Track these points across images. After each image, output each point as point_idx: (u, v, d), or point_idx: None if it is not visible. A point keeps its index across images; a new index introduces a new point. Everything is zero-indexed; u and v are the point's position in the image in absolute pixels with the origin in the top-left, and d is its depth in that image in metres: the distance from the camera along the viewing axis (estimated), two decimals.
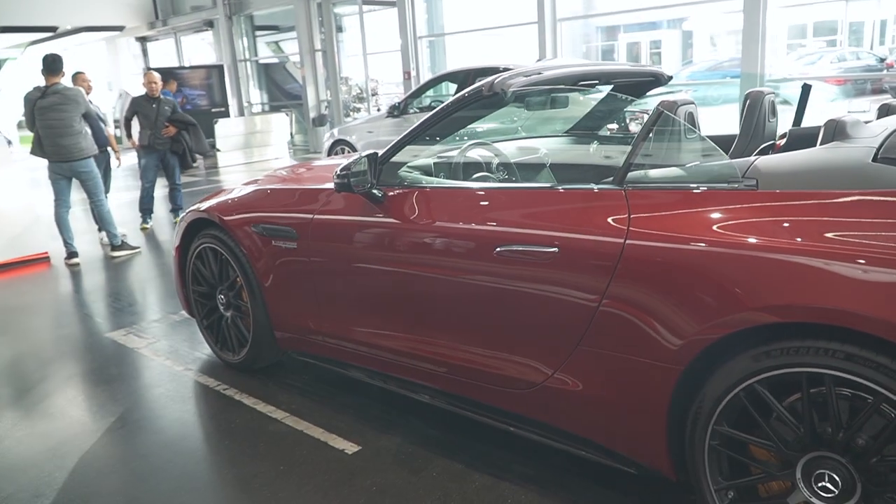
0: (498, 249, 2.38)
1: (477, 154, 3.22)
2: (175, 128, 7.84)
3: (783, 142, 2.70)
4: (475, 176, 3.10)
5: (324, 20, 15.60)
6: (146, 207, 8.01)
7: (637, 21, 22.90)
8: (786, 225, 1.86)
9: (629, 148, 2.32)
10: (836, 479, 1.79)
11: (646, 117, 4.40)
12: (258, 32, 18.49)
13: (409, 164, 3.02)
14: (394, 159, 2.92)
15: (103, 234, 7.04)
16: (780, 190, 1.95)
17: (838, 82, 14.67)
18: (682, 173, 2.18)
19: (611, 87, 3.51)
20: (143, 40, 21.15)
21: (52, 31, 18.81)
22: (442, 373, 2.71)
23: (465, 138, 3.30)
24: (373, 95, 15.74)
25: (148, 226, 7.99)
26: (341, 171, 2.81)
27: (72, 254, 6.53)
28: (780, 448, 1.87)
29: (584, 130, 3.85)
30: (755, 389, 1.87)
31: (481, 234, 2.45)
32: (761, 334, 1.84)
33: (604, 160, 3.60)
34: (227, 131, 14.39)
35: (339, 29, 16.27)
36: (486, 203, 2.57)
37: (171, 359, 4.07)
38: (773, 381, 1.84)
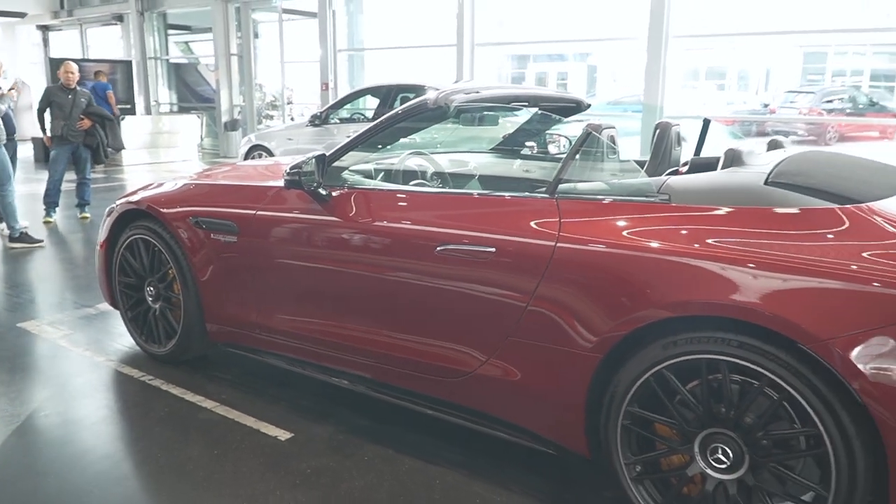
0: (439, 248, 2.60)
1: (414, 163, 3.44)
2: (90, 120, 7.66)
3: (685, 168, 3.08)
4: (412, 182, 3.32)
5: (241, 25, 15.48)
6: (52, 200, 7.75)
7: (546, 52, 23.88)
8: (692, 233, 2.18)
9: (556, 164, 2.60)
10: (728, 451, 2.10)
11: (562, 139, 4.78)
12: (170, 31, 18.08)
13: (351, 168, 3.20)
14: (337, 163, 3.10)
15: (3, 225, 6.81)
16: (689, 204, 2.27)
17: (727, 122, 15.84)
18: (607, 186, 2.48)
19: (536, 109, 3.82)
20: (44, 29, 20.23)
21: None
22: (380, 364, 2.89)
23: (403, 148, 3.51)
24: (287, 104, 15.70)
25: (52, 219, 7.74)
26: (292, 168, 2.96)
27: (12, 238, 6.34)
28: (682, 426, 2.17)
29: (508, 147, 4.15)
30: (663, 374, 2.16)
31: (424, 233, 2.67)
32: (669, 326, 2.14)
33: (524, 174, 3.91)
34: (133, 129, 13.99)
35: (256, 35, 16.16)
36: (430, 206, 2.79)
37: (90, 349, 4.05)
38: (678, 367, 2.14)
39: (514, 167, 3.90)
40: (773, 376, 1.98)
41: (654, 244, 2.20)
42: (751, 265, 2.02)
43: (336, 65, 13.68)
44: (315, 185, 2.95)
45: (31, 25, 20.42)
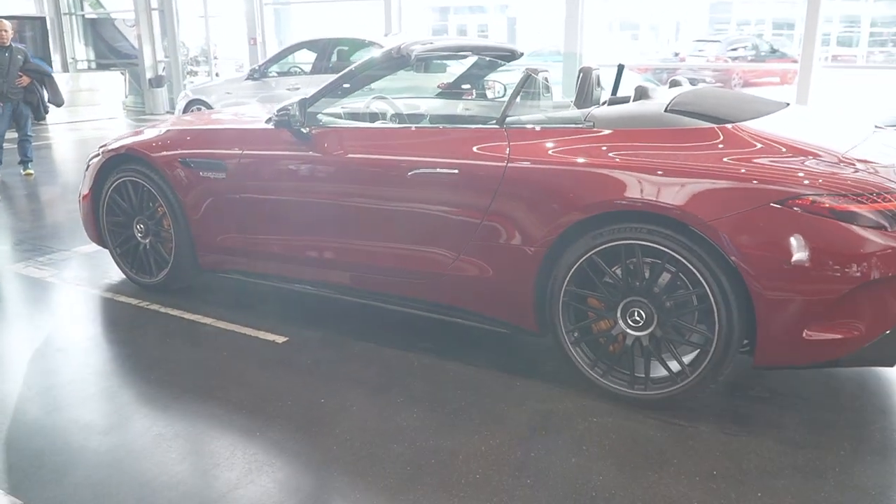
0: (411, 172, 3.19)
1: (377, 106, 3.99)
2: (29, 77, 7.77)
3: (605, 105, 3.73)
4: (377, 122, 3.87)
5: None
6: None
7: (467, 4, 24.22)
8: (610, 150, 2.83)
9: (493, 104, 3.19)
10: (642, 313, 2.80)
11: (497, 84, 5.38)
12: None
13: (325, 111, 3.71)
14: (313, 108, 3.61)
15: None
16: (608, 128, 2.92)
17: (641, 70, 16.77)
18: (545, 117, 3.11)
19: (477, 57, 4.40)
20: None
21: None
22: (362, 274, 3.48)
23: (367, 94, 4.05)
24: (214, 59, 15.67)
25: None
26: (279, 111, 3.47)
27: None
28: (608, 297, 2.86)
29: (453, 91, 4.73)
30: (592, 259, 2.83)
31: (398, 161, 3.24)
32: (596, 221, 2.80)
33: (466, 112, 4.51)
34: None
35: None
36: (400, 138, 3.36)
37: (81, 284, 4.47)
38: (604, 252, 2.81)
39: (459, 108, 4.48)
40: (672, 253, 2.67)
41: (583, 159, 2.85)
42: (653, 170, 2.69)
43: (263, 19, 13.78)
44: (298, 124, 3.47)
45: None
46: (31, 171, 8.22)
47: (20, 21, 16.34)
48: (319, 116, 3.64)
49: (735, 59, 17.80)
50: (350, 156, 3.40)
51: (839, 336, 2.55)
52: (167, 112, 15.25)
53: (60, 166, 9.40)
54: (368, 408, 2.92)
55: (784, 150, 2.72)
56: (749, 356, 2.74)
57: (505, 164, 2.99)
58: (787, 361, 2.70)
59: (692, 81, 16.51)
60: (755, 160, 2.65)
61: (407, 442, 2.66)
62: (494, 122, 3.16)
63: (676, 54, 19.92)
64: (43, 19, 16.59)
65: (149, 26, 15.43)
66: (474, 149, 3.09)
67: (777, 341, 2.61)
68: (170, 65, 15.55)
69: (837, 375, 3.15)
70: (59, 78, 14.76)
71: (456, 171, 3.09)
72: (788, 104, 3.48)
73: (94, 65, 17.79)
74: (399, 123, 3.94)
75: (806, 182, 2.55)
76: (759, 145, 2.73)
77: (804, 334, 2.57)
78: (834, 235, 2.49)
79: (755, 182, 2.58)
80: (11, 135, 8.13)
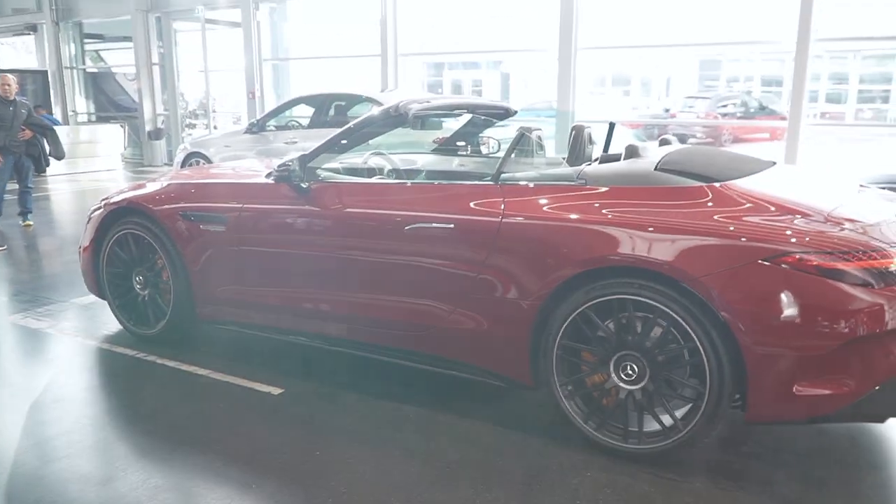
0: (408, 227, 3.26)
1: (374, 161, 4.09)
2: (31, 131, 7.91)
3: (597, 163, 3.84)
4: (375, 177, 3.97)
5: (163, 34, 15.63)
6: None
7: (461, 60, 24.74)
8: (602, 207, 2.92)
9: (488, 160, 3.28)
10: (635, 367, 2.84)
11: (491, 140, 5.52)
12: (87, 40, 17.94)
13: (323, 166, 3.81)
14: (312, 163, 3.70)
15: None
16: (600, 185, 3.01)
17: (633, 126, 17.11)
18: (538, 174, 3.20)
19: (472, 115, 4.53)
20: None
21: None
22: (358, 326, 3.52)
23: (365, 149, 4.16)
24: (212, 112, 15.92)
25: None
26: (279, 167, 3.57)
27: None
28: (601, 351, 2.90)
29: (448, 147, 4.85)
30: (586, 313, 2.89)
31: (395, 216, 3.32)
32: (589, 277, 2.87)
33: (461, 168, 4.61)
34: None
35: (176, 44, 16.30)
36: (397, 194, 3.45)
37: (80, 335, 4.49)
38: (597, 307, 2.87)
39: (455, 164, 4.59)
40: (663, 308, 2.73)
41: (575, 216, 2.93)
42: (644, 227, 2.77)
43: (262, 74, 14.07)
44: (298, 179, 3.56)
45: None
46: (31, 223, 8.29)
47: (22, 74, 16.64)
48: (319, 171, 3.73)
49: (725, 115, 18.19)
50: (348, 210, 3.48)
51: (829, 392, 2.59)
52: (165, 164, 15.43)
53: (59, 217, 9.48)
54: (364, 461, 2.93)
55: (772, 208, 2.81)
56: (741, 411, 2.78)
57: (500, 219, 3.07)
58: (779, 417, 2.74)
59: (682, 138, 16.88)
60: (743, 218, 2.74)
61: (403, 496, 2.67)
62: (490, 178, 3.25)
63: (667, 110, 20.35)
64: (45, 73, 16.92)
65: (149, 80, 15.73)
66: (470, 204, 3.18)
67: (768, 396, 2.65)
68: (169, 118, 15.79)
69: (830, 431, 3.18)
70: (60, 130, 15.02)
71: (452, 225, 3.17)
72: (775, 163, 3.58)
73: (94, 117, 18.04)
74: (396, 178, 4.04)
75: (793, 240, 2.62)
76: (747, 203, 2.82)
77: (794, 389, 2.61)
78: (821, 292, 2.56)
79: (744, 239, 2.65)
80: (12, 186, 8.22)
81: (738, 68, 23.88)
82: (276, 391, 3.61)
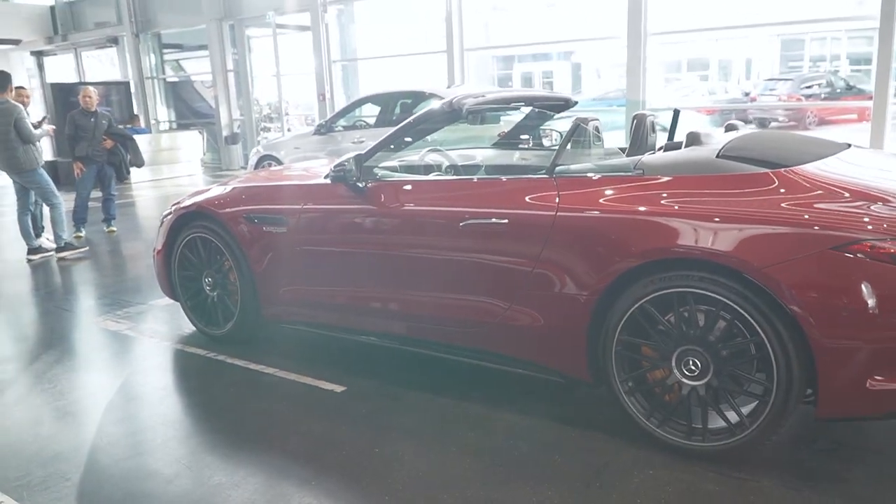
0: (462, 223, 3.24)
1: (431, 158, 4.08)
2: (113, 140, 8.27)
3: (661, 152, 3.72)
4: (431, 174, 3.97)
5: (236, 41, 16.09)
6: (81, 217, 8.31)
7: (530, 52, 24.50)
8: (660, 197, 2.82)
9: (550, 153, 3.23)
10: (698, 362, 2.74)
11: (553, 133, 5.43)
12: (165, 50, 18.67)
13: (380, 165, 3.83)
14: (369, 162, 3.73)
15: (51, 235, 7.49)
16: (658, 175, 2.91)
17: (709, 112, 16.56)
18: (594, 166, 3.12)
19: (531, 108, 4.47)
20: (38, 55, 20.75)
21: None
22: (418, 324, 3.53)
23: (422, 147, 4.16)
24: (285, 115, 16.31)
25: (82, 234, 8.30)
26: (336, 167, 3.60)
27: (31, 250, 7.02)
28: (662, 346, 2.81)
29: (509, 141, 4.80)
30: (645, 307, 2.80)
31: (450, 213, 3.31)
32: (648, 269, 2.78)
33: (523, 163, 4.55)
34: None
35: (250, 50, 16.77)
36: (452, 190, 3.44)
37: (155, 337, 4.67)
38: (656, 300, 2.78)
39: (514, 158, 4.54)
40: (726, 300, 2.62)
41: (632, 207, 2.84)
42: (704, 217, 2.67)
43: (331, 75, 14.31)
44: (354, 179, 3.59)
45: (25, 52, 20.95)
46: (114, 229, 8.69)
47: (107, 86, 17.48)
48: (375, 170, 3.75)
49: (809, 97, 17.38)
50: (403, 208, 3.49)
51: None
52: (242, 168, 15.90)
53: (142, 223, 9.89)
54: (421, 458, 2.93)
55: (841, 193, 2.66)
56: (813, 407, 2.64)
57: (554, 213, 3.01)
58: (851, 413, 2.59)
59: (762, 122, 16.20)
60: (811, 205, 2.59)
61: (458, 493, 2.66)
62: (544, 171, 3.20)
63: (746, 94, 19.60)
64: (127, 84, 17.69)
65: (225, 87, 16.23)
66: (525, 199, 3.13)
67: (840, 392, 2.51)
68: (244, 122, 16.27)
69: None
70: (143, 138, 15.69)
71: (506, 220, 3.13)
72: (850, 145, 3.39)
73: (174, 125, 18.77)
74: (453, 175, 4.02)
75: (866, 227, 2.47)
76: (814, 189, 2.67)
77: (868, 384, 2.46)
78: (894, 281, 2.40)
79: (811, 227, 2.51)
80: (96, 194, 8.62)
81: (824, 47, 22.78)
82: (338, 389, 3.66)
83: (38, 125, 7.48)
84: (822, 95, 17.57)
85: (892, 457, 2.80)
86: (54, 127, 7.76)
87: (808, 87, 17.77)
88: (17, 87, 7.97)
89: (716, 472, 2.72)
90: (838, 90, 17.92)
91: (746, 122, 15.87)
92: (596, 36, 13.54)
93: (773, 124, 17.06)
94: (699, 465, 2.76)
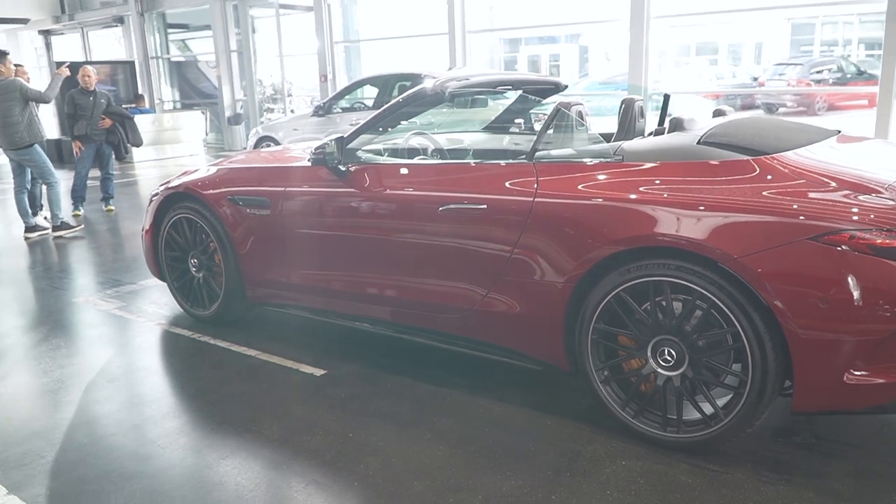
0: (441, 208, 3.20)
1: (416, 142, 4.04)
2: (111, 120, 8.25)
3: (638, 139, 3.65)
4: (416, 158, 3.92)
5: (240, 21, 16.00)
6: (79, 195, 8.33)
7: (537, 35, 24.26)
8: (638, 184, 2.77)
9: (535, 135, 3.18)
10: (673, 353, 2.71)
11: (544, 118, 5.35)
12: (170, 30, 18.60)
13: (363, 148, 3.79)
14: (352, 144, 3.68)
15: (47, 213, 7.51)
16: (638, 162, 2.86)
17: (715, 96, 16.38)
18: (574, 151, 3.07)
19: (520, 92, 4.40)
20: (46, 34, 20.71)
21: None
22: (397, 308, 3.50)
23: (407, 130, 4.11)
24: (288, 96, 16.24)
25: (80, 212, 8.32)
26: (316, 149, 3.56)
27: (28, 228, 7.07)
28: (638, 335, 2.77)
29: (498, 125, 4.75)
30: (621, 296, 2.76)
31: (429, 197, 3.27)
32: (624, 257, 2.74)
33: (514, 146, 4.50)
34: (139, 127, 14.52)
35: (253, 30, 16.67)
36: (431, 175, 3.39)
37: (142, 317, 4.67)
38: (632, 289, 2.74)
39: (498, 143, 4.49)
40: (702, 290, 2.58)
41: (609, 194, 2.80)
42: (680, 205, 2.62)
43: (333, 56, 14.22)
44: (336, 161, 3.55)
45: (33, 31, 20.92)
46: (112, 208, 8.69)
47: (112, 65, 17.46)
48: (359, 153, 3.71)
49: (819, 82, 17.14)
50: (384, 192, 3.45)
51: (883, 380, 2.40)
52: (244, 148, 15.86)
53: (141, 202, 9.87)
54: (395, 444, 2.92)
55: (825, 182, 2.60)
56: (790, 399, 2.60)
57: (533, 198, 2.97)
58: (828, 406, 2.55)
59: (770, 107, 16.00)
60: (790, 193, 2.54)
61: (428, 480, 2.64)
62: (524, 157, 3.15)
63: (755, 79, 19.37)
64: (132, 63, 17.65)
65: (228, 67, 16.17)
66: (504, 184, 3.09)
67: (816, 385, 2.48)
68: (247, 103, 16.21)
69: (891, 422, 2.95)
70: (146, 118, 15.66)
71: (484, 206, 3.09)
72: (839, 132, 3.33)
73: (178, 104, 18.73)
74: (437, 159, 3.97)
75: (850, 217, 2.42)
76: (796, 178, 2.61)
77: (845, 378, 2.42)
78: (875, 273, 2.36)
79: (788, 217, 2.46)
80: (94, 173, 8.61)
81: (836, 31, 22.46)
82: (318, 372, 3.65)
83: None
84: (832, 81, 17.33)
85: (872, 452, 2.77)
86: (67, 68, 7.68)
87: (818, 71, 17.52)
88: (16, 65, 7.95)
89: (690, 463, 2.69)
90: (849, 75, 17.67)
91: (754, 107, 15.69)
92: (600, 18, 13.36)
93: (781, 110, 16.87)
94: (673, 457, 2.73)
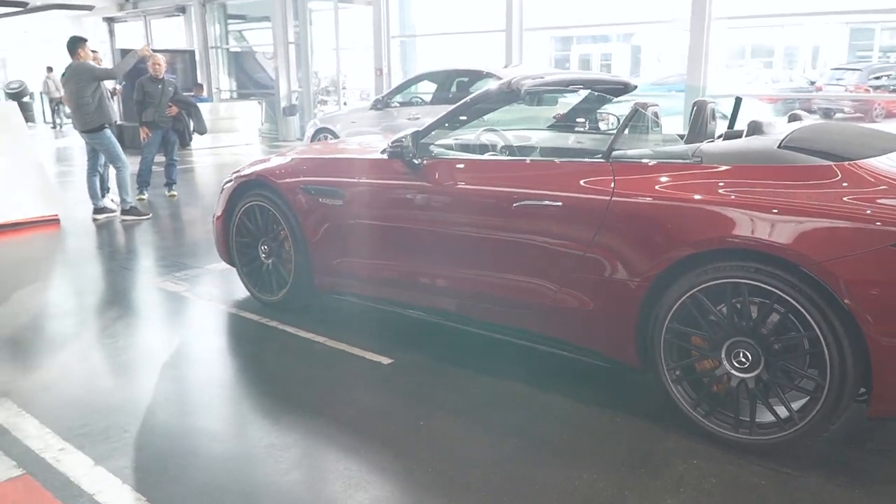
0: (515, 204, 3.25)
1: (486, 138, 4.10)
2: (178, 107, 8.48)
3: (720, 140, 3.65)
4: (487, 154, 3.98)
5: (298, 13, 16.24)
6: (144, 180, 8.57)
7: (590, 34, 24.08)
8: (717, 186, 2.78)
9: (606, 137, 3.20)
10: (749, 355, 2.72)
11: (610, 117, 5.37)
12: (230, 21, 18.96)
13: (437, 143, 3.85)
14: (426, 139, 3.75)
15: (114, 196, 7.77)
16: (717, 164, 2.87)
17: (771, 100, 16.08)
18: (651, 152, 3.09)
19: (589, 91, 4.43)
20: (110, 21, 21.31)
21: (23, 6, 18.89)
22: (467, 301, 3.56)
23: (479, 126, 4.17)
24: (343, 89, 16.44)
25: (144, 197, 8.56)
26: (393, 143, 3.65)
27: (97, 210, 7.37)
28: (712, 336, 2.79)
29: (565, 123, 4.78)
30: (696, 296, 2.78)
31: (503, 193, 3.32)
32: (701, 258, 2.76)
33: (578, 146, 4.52)
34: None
35: (310, 23, 16.90)
36: (506, 171, 3.45)
37: (212, 300, 4.82)
38: (709, 290, 2.75)
39: (570, 141, 4.51)
40: (781, 293, 2.58)
41: (689, 195, 2.82)
42: (762, 208, 2.62)
43: (389, 51, 14.35)
44: (410, 155, 3.63)
45: (97, 17, 21.53)
46: (175, 193, 8.93)
47: (172, 54, 17.84)
48: (431, 148, 3.77)
49: (878, 88, 16.72)
50: (458, 186, 3.51)
51: None
52: (298, 139, 16.11)
53: (201, 189, 10.14)
54: (466, 434, 2.98)
55: None
56: (865, 406, 2.59)
57: (609, 197, 3.00)
58: None
59: (827, 112, 15.67)
60: (875, 199, 2.53)
61: (502, 472, 2.70)
62: (601, 155, 3.18)
63: (812, 83, 18.96)
64: (192, 52, 18.04)
65: (286, 59, 16.42)
66: (580, 182, 3.12)
67: (894, 391, 2.46)
68: (302, 94, 16.45)
69: None
70: (204, 106, 15.99)
71: (560, 203, 3.13)
72: None
73: (235, 94, 19.09)
74: (509, 155, 4.02)
75: None
76: (878, 184, 2.60)
77: None
78: None
79: (874, 222, 2.46)
80: (159, 159, 8.86)
81: (894, 38, 21.85)
82: (385, 361, 3.73)
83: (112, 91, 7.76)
84: (892, 88, 16.88)
85: None
86: (148, 47, 8.01)
87: (877, 77, 17.09)
88: (92, 51, 8.21)
89: (761, 465, 2.70)
90: None
91: (810, 112, 15.40)
92: (659, 19, 13.22)
93: (838, 115, 16.49)
94: (744, 458, 2.74)
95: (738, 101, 4.09)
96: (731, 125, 4.08)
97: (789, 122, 3.52)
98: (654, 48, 24.62)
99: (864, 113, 16.43)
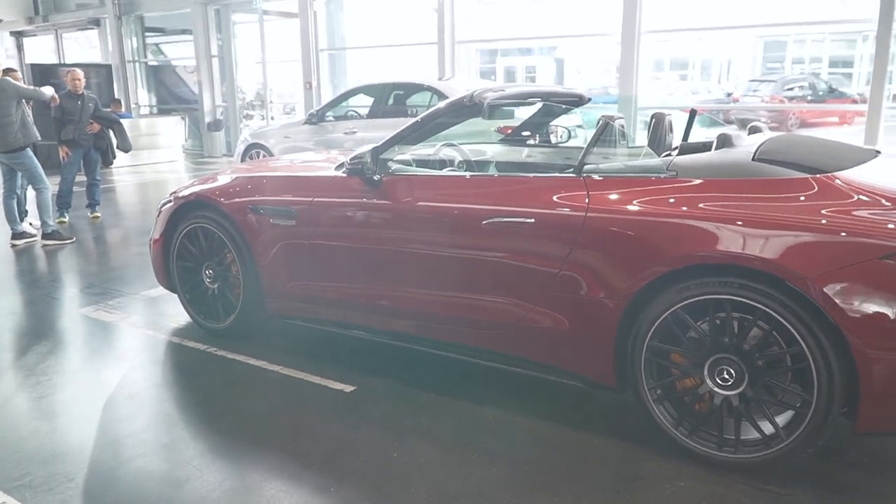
0: (485, 221, 3.13)
1: (446, 153, 3.97)
2: (99, 125, 8.03)
3: (676, 152, 3.63)
4: (445, 169, 3.85)
5: (221, 26, 15.79)
6: (65, 201, 8.09)
7: (514, 47, 24.38)
8: (696, 200, 2.73)
9: (556, 150, 3.12)
10: (732, 372, 2.66)
11: (559, 129, 5.33)
12: (147, 34, 18.27)
13: (395, 158, 3.70)
14: (384, 154, 3.59)
15: (36, 220, 7.27)
16: (692, 177, 2.82)
17: (687, 111, 16.59)
18: (625, 166, 3.03)
19: (544, 103, 4.37)
20: (18, 35, 20.22)
21: None
22: (433, 324, 3.41)
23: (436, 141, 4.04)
24: (269, 103, 16.04)
25: (65, 219, 8.08)
26: (352, 159, 3.47)
27: (15, 235, 6.82)
28: (694, 354, 2.73)
29: (517, 137, 4.70)
30: (678, 313, 2.72)
31: (471, 210, 3.19)
32: (682, 274, 2.69)
33: (529, 159, 4.45)
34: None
35: (234, 35, 16.45)
36: (474, 187, 3.32)
37: (151, 329, 4.50)
38: (690, 307, 2.69)
39: (533, 155, 4.43)
40: (765, 309, 2.54)
41: (667, 210, 2.75)
42: (744, 222, 2.58)
43: (318, 64, 14.08)
44: (370, 172, 3.46)
45: (4, 32, 20.40)
46: (98, 214, 8.45)
47: (87, 68, 17.02)
48: (390, 164, 3.62)
49: (791, 98, 17.48)
50: (422, 203, 3.37)
51: None
52: (224, 155, 15.63)
53: (125, 209, 9.65)
54: (443, 465, 2.83)
55: (885, 200, 2.59)
56: (847, 419, 2.58)
57: (584, 213, 2.91)
58: (894, 427, 2.53)
59: (744, 122, 16.30)
60: (855, 212, 2.52)
61: (487, 503, 2.56)
62: (572, 170, 3.10)
63: (729, 94, 19.69)
64: (109, 66, 17.28)
65: (209, 72, 15.92)
66: (552, 198, 3.02)
67: (882, 405, 2.45)
68: (227, 109, 15.97)
69: None
70: (123, 123, 15.31)
71: (532, 220, 3.03)
72: (879, 152, 3.33)
73: (155, 109, 18.38)
74: (468, 170, 3.90)
75: None
76: (858, 196, 2.60)
77: None
78: None
79: (857, 236, 2.44)
80: (80, 178, 8.37)
81: (805, 49, 22.96)
82: (348, 388, 3.54)
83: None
84: (807, 98, 17.68)
85: None
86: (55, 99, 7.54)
87: (790, 88, 17.89)
88: (9, 69, 7.69)
89: (747, 484, 2.65)
90: (820, 93, 18.05)
91: (728, 122, 15.96)
92: (589, 32, 13.45)
93: (755, 124, 17.12)
94: (730, 477, 2.69)
95: (693, 113, 4.11)
96: (685, 137, 4.09)
97: (749, 133, 3.53)
98: (575, 61, 25.07)
99: (779, 123, 17.13)
